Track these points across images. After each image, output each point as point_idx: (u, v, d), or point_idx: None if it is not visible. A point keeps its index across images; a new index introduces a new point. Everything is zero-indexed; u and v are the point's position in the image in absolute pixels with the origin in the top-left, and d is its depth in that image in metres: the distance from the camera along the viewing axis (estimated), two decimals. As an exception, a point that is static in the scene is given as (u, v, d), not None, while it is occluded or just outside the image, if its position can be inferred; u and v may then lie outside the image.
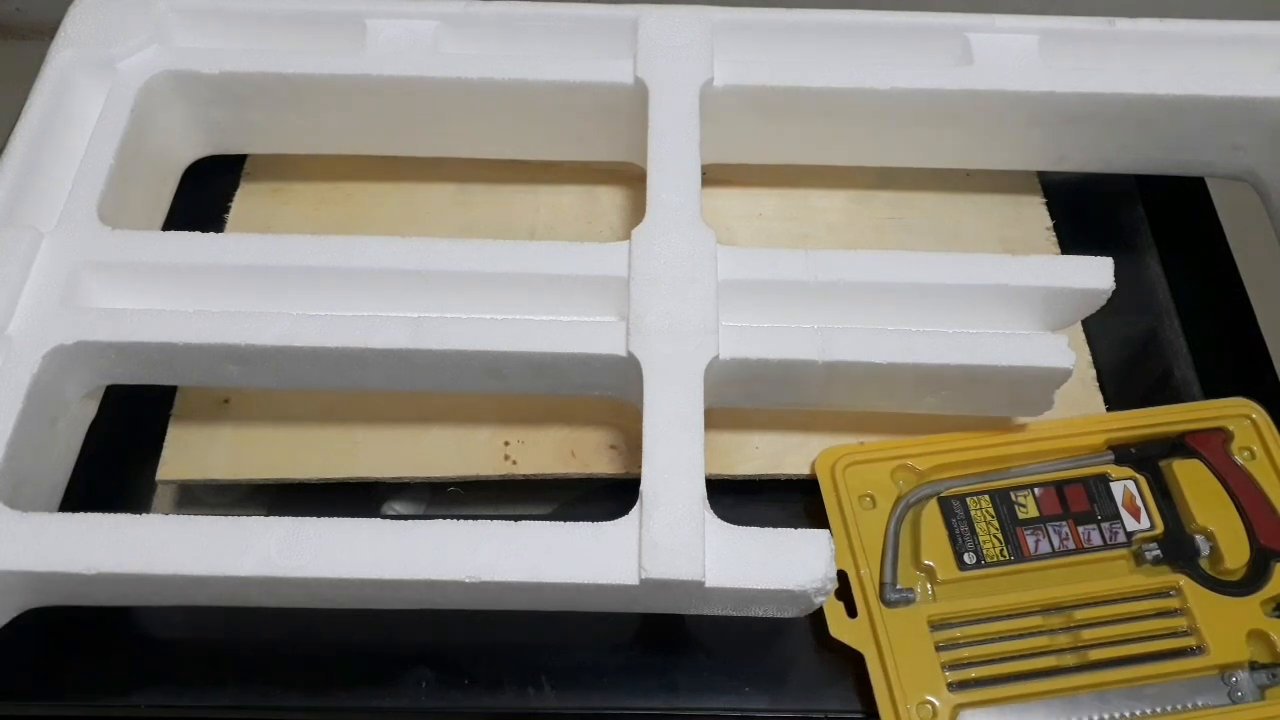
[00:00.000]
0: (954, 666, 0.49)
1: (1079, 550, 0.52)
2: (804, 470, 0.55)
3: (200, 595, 0.45)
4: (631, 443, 0.56)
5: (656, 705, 0.50)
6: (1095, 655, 0.49)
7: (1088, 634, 0.50)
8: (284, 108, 0.59)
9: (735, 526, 0.44)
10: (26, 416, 0.47)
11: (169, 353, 0.49)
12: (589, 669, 0.51)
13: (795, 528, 0.45)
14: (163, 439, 0.55)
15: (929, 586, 0.51)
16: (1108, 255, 0.52)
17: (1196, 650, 0.49)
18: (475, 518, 0.45)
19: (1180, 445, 0.55)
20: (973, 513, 0.52)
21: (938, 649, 0.49)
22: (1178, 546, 0.52)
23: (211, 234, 0.52)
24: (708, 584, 0.43)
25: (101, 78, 0.57)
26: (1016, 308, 0.52)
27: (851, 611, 0.50)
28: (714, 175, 0.63)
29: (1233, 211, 0.69)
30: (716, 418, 0.51)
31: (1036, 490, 0.53)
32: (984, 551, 0.51)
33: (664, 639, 0.52)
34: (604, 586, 0.43)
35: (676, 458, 0.46)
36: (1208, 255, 0.66)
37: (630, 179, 0.66)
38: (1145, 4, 0.67)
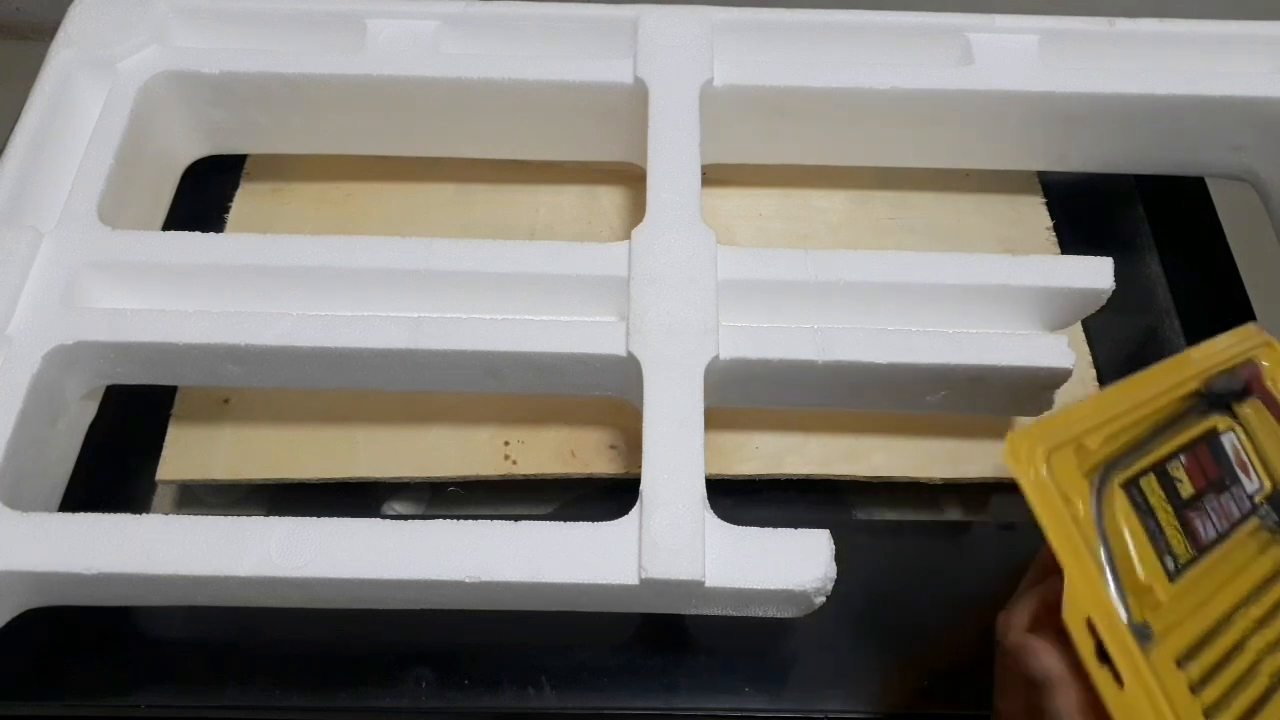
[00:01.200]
0: (1212, 710, 0.38)
1: (1231, 528, 0.41)
2: (804, 470, 0.55)
3: (200, 595, 0.45)
4: (631, 443, 0.56)
5: (656, 705, 0.50)
6: None
7: None
8: (284, 108, 0.59)
9: (735, 526, 0.44)
10: (26, 416, 0.47)
11: (169, 353, 0.49)
12: (589, 669, 0.51)
13: (795, 527, 0.44)
14: (163, 439, 0.55)
15: (1148, 611, 0.39)
16: (1108, 255, 0.52)
17: None
18: (475, 518, 0.45)
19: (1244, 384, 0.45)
20: (1150, 499, 0.40)
21: (1192, 691, 0.38)
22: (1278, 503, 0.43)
23: (211, 234, 0.52)
24: (708, 584, 0.43)
25: (101, 78, 0.57)
26: (1016, 308, 0.52)
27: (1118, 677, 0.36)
28: (714, 175, 0.62)
29: (1233, 211, 0.69)
30: (716, 418, 0.51)
31: (1183, 458, 0.42)
32: (1174, 550, 0.40)
33: (664, 639, 0.52)
34: (604, 586, 0.43)
35: (676, 458, 0.46)
36: (1208, 255, 0.66)
37: (630, 179, 0.66)
38: (1145, 4, 0.67)
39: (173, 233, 0.52)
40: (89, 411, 0.53)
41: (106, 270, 0.51)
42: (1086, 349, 0.60)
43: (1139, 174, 0.66)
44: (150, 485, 0.55)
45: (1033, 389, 0.52)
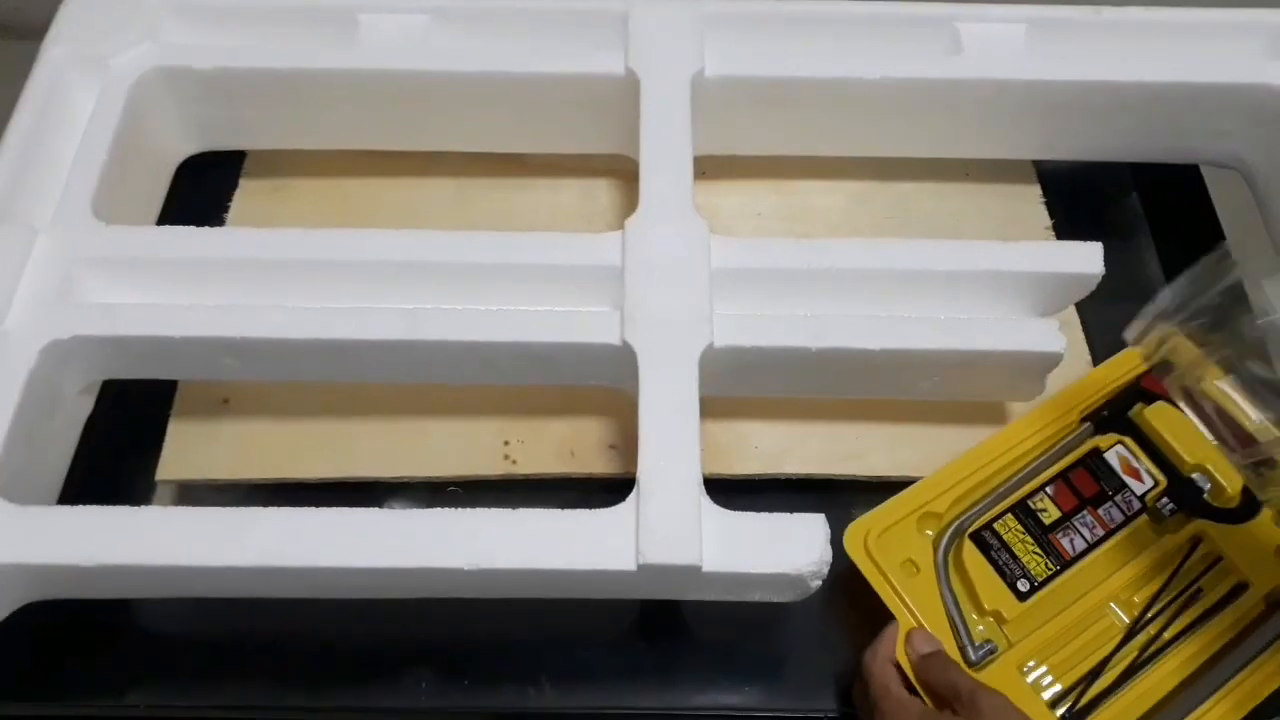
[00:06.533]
0: (1057, 701, 0.48)
1: (1109, 533, 0.51)
2: (803, 470, 0.55)
3: (199, 586, 0.45)
4: (630, 442, 0.55)
5: (656, 704, 0.50)
6: (1171, 630, 0.49)
7: (1156, 611, 0.50)
8: (276, 103, 0.59)
9: (731, 512, 0.45)
10: (24, 411, 0.47)
11: (165, 347, 0.49)
12: (589, 668, 0.51)
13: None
14: (163, 439, 0.55)
15: (1000, 629, 0.49)
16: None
17: (1244, 586, 0.50)
18: (475, 517, 0.45)
19: (1141, 392, 0.54)
20: (1004, 536, 0.50)
21: (1038, 690, 0.48)
22: (1182, 492, 0.51)
23: (206, 228, 0.52)
24: (705, 569, 0.43)
25: (94, 74, 0.57)
26: (1008, 293, 0.52)
27: None
28: (713, 173, 0.63)
29: (1228, 202, 0.69)
30: (715, 417, 0.51)
31: (1049, 489, 0.52)
32: (1031, 573, 0.50)
33: (663, 637, 0.52)
34: (602, 573, 0.44)
35: (672, 444, 0.46)
36: (1203, 244, 0.66)
37: (628, 176, 0.66)
38: (1132, -8, 0.68)
39: (167, 227, 0.52)
40: (86, 406, 0.53)
41: (102, 265, 0.51)
42: (1082, 337, 0.60)
43: (1133, 164, 0.66)
44: (150, 485, 0.55)
45: (1024, 373, 0.52)
